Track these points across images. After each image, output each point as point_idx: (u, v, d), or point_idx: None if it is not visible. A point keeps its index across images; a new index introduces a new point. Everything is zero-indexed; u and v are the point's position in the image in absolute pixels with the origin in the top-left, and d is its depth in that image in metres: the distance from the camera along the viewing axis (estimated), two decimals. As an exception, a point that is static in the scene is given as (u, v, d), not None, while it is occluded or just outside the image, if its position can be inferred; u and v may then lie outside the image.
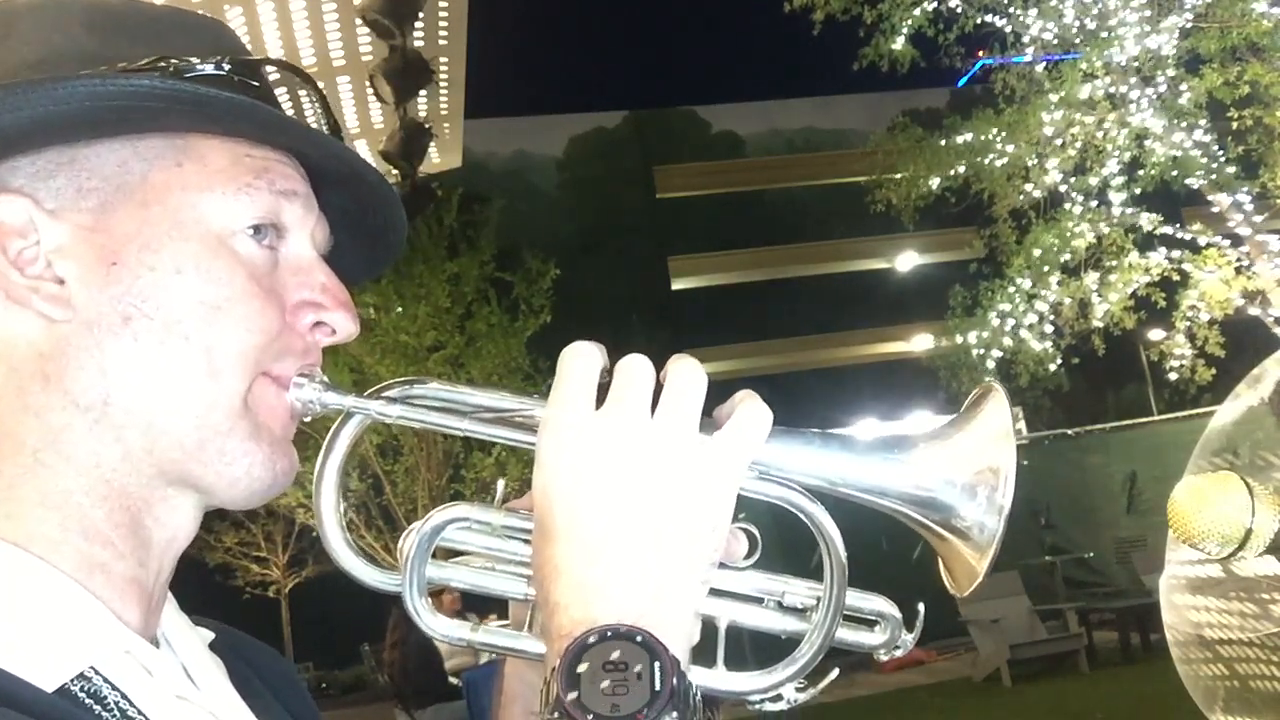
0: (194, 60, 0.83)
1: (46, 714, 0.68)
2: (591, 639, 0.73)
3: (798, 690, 0.88)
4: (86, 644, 0.75)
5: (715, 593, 0.86)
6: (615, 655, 0.72)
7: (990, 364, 15.87)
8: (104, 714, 0.73)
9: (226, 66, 0.84)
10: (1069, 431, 19.16)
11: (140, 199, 0.81)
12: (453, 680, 10.12)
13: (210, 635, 0.94)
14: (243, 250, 0.83)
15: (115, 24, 0.85)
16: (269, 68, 0.89)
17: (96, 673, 0.74)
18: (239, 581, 25.28)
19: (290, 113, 0.90)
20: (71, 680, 0.72)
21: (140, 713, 0.75)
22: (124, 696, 0.75)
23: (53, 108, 0.75)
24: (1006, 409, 0.83)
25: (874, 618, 0.92)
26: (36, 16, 0.84)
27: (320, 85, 0.93)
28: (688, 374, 0.81)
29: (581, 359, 0.81)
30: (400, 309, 18.40)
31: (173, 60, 0.82)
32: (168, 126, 0.82)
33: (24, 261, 0.78)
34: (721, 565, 0.85)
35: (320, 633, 25.59)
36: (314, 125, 0.91)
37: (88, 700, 0.73)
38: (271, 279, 0.85)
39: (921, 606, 0.92)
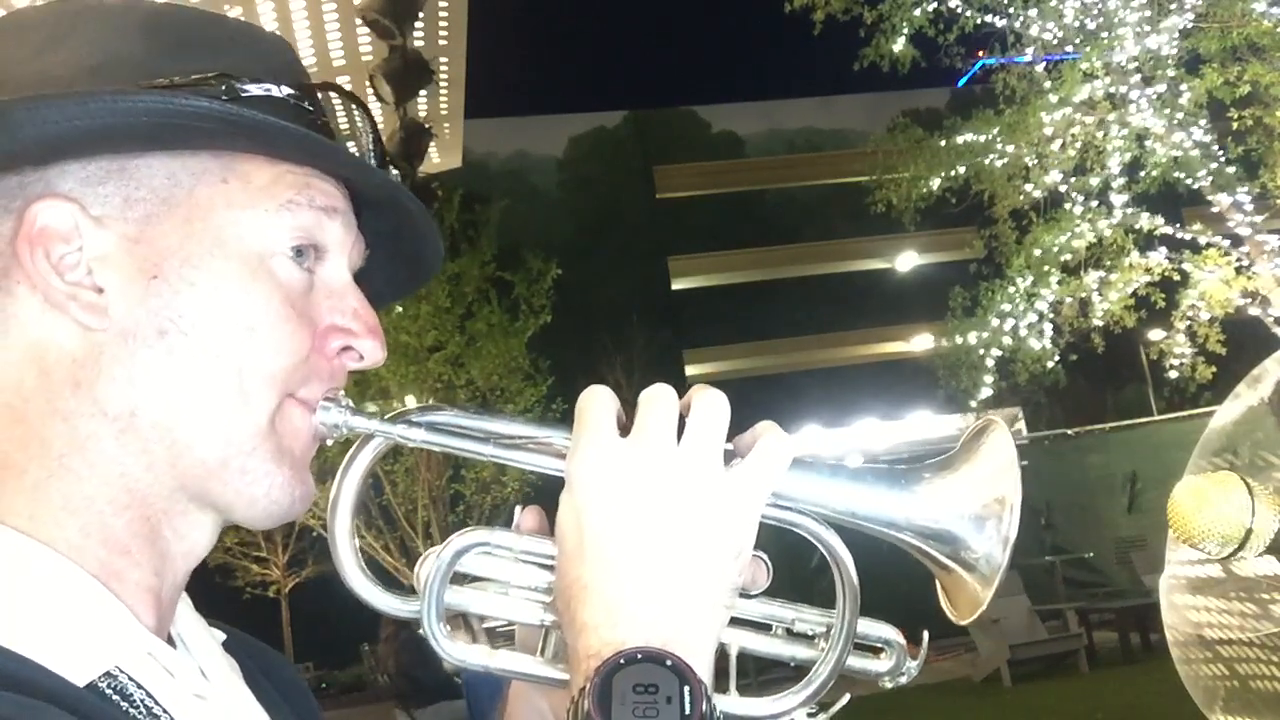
0: (251, 80, 0.83)
1: (81, 709, 0.69)
2: (622, 661, 0.74)
3: (809, 715, 0.89)
4: (112, 644, 0.76)
5: (729, 620, 0.87)
6: (645, 678, 0.73)
7: (990, 363, 15.88)
8: (132, 711, 0.74)
9: (285, 90, 0.84)
10: (1069, 431, 19.16)
11: (185, 214, 0.81)
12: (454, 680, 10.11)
13: (223, 636, 0.95)
14: (281, 272, 0.84)
15: (175, 34, 0.85)
16: (322, 91, 0.90)
17: (122, 671, 0.75)
18: (239, 581, 25.27)
19: (344, 131, 0.91)
20: (99, 678, 0.73)
21: (165, 711, 0.76)
22: (149, 695, 0.76)
23: (111, 120, 0.76)
24: (1010, 441, 0.84)
25: (879, 645, 0.93)
26: (98, 21, 0.84)
27: (374, 112, 0.94)
28: (711, 404, 0.83)
29: (601, 395, 0.84)
30: (400, 309, 18.38)
31: (231, 80, 0.82)
32: (218, 145, 0.82)
33: (65, 267, 0.78)
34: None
35: (320, 633, 25.55)
36: (363, 149, 0.92)
37: (115, 697, 0.74)
38: (305, 301, 0.85)
39: (926, 634, 0.93)
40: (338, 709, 22.29)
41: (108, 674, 0.74)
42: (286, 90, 0.84)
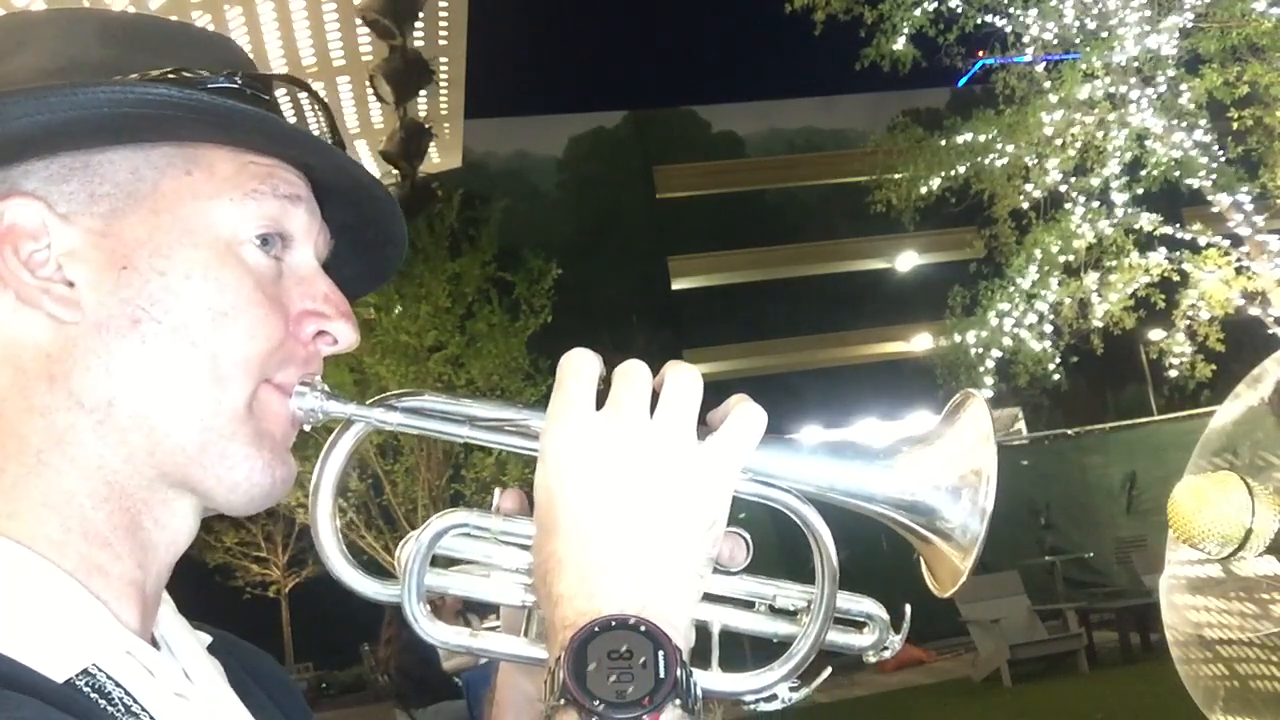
0: (207, 73, 0.84)
1: (60, 704, 0.70)
2: (596, 629, 0.74)
3: (791, 690, 0.89)
4: (89, 642, 0.76)
5: (708, 597, 0.87)
6: (620, 645, 0.74)
7: (990, 363, 15.89)
8: (110, 709, 0.74)
9: (239, 80, 0.85)
10: (1069, 431, 19.16)
11: (151, 206, 0.82)
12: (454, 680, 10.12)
13: (208, 639, 0.95)
14: (250, 259, 0.84)
15: (130, 36, 0.87)
16: (277, 82, 0.91)
17: (100, 670, 0.75)
18: (239, 582, 25.28)
19: (305, 123, 0.91)
20: (76, 675, 0.74)
21: (144, 709, 0.76)
22: (127, 693, 0.76)
23: (73, 113, 0.77)
24: (986, 413, 0.85)
25: (862, 619, 0.94)
26: (53, 27, 0.85)
27: (324, 94, 0.94)
28: (684, 379, 0.84)
29: (580, 364, 0.84)
30: (400, 309, 18.39)
31: (187, 72, 0.83)
32: (179, 136, 0.83)
33: (35, 263, 0.79)
34: (716, 569, 0.87)
35: (320, 633, 25.57)
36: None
37: (94, 695, 0.74)
38: (276, 288, 0.86)
39: (908, 608, 0.94)
40: (338, 709, 22.29)
41: (85, 672, 0.74)
42: (240, 81, 0.85)
